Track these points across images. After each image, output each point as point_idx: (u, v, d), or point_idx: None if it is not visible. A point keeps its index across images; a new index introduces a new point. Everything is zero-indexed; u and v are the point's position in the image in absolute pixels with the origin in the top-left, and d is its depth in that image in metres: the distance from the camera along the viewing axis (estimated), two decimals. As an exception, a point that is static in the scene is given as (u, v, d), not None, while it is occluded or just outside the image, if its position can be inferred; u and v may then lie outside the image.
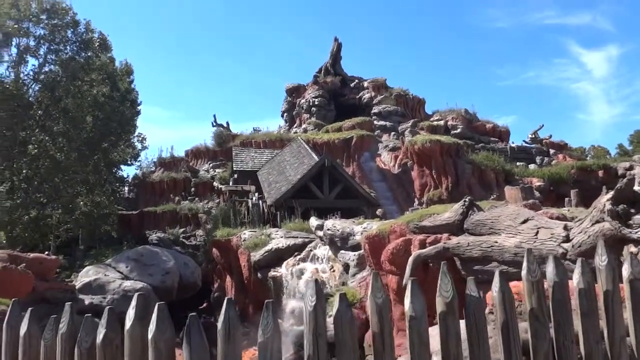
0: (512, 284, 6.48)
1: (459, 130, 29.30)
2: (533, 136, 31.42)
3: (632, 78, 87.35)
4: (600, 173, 23.85)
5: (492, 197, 16.94)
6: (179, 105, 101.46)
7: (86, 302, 8.99)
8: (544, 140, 30.61)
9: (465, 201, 7.58)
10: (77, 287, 9.16)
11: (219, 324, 1.88)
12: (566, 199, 17.24)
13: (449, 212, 7.79)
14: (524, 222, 6.41)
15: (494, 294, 2.31)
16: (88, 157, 13.62)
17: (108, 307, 2.04)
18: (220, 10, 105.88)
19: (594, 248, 5.23)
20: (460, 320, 2.25)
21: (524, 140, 31.61)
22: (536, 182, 22.74)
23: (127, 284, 9.23)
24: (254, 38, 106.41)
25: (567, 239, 5.52)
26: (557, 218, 7.48)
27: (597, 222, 5.03)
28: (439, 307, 2.19)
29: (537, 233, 6.02)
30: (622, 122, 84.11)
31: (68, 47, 13.96)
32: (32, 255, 8.87)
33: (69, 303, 2.15)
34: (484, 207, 7.71)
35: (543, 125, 31.65)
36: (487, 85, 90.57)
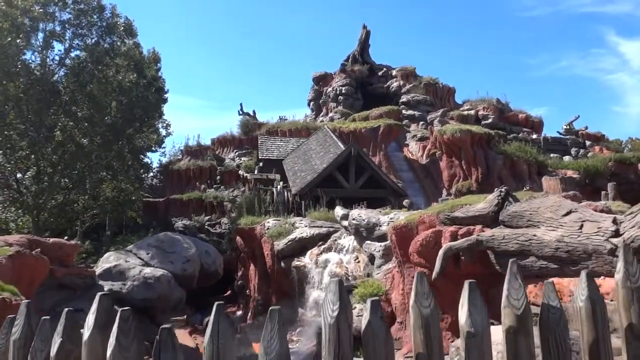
0: (552, 280, 6.00)
1: (490, 121, 28.42)
2: (568, 127, 30.28)
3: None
4: (640, 166, 22.81)
5: (524, 189, 16.25)
6: (207, 95, 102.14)
7: (105, 289, 8.88)
8: (579, 132, 29.45)
9: (501, 191, 7.10)
10: (97, 273, 9.08)
11: (205, 339, 1.53)
12: (602, 193, 16.46)
13: (483, 203, 7.33)
14: (567, 214, 5.92)
15: (579, 303, 1.81)
16: (112, 143, 13.55)
17: (67, 309, 1.63)
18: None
19: (650, 244, 4.75)
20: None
21: (558, 132, 30.50)
22: (571, 175, 21.83)
23: (147, 270, 9.07)
24: (282, 26, 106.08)
25: (617, 234, 5.03)
26: (602, 211, 6.96)
27: (655, 215, 4.52)
28: (507, 319, 1.69)
29: (581, 226, 5.53)
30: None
31: (94, 32, 13.90)
32: (51, 240, 8.79)
33: (26, 302, 1.76)
34: (521, 198, 7.22)
35: (579, 116, 30.52)
36: (519, 76, 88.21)
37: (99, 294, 1.52)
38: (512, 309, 1.67)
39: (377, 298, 1.61)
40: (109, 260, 9.41)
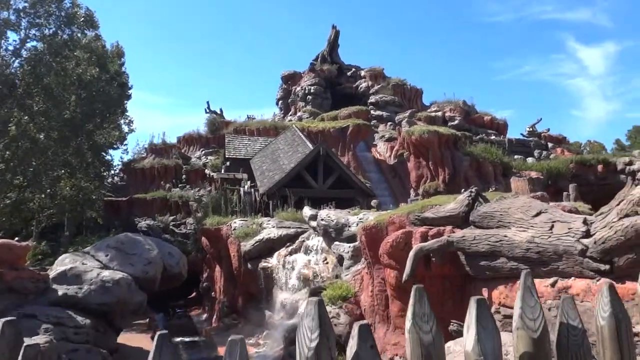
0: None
1: (456, 122, 28.79)
2: (531, 129, 31.00)
3: (629, 76, 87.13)
4: (600, 168, 23.49)
5: (490, 190, 16.46)
6: (174, 93, 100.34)
7: (60, 293, 8.38)
8: (542, 134, 30.19)
9: (471, 191, 7.05)
10: (51, 276, 8.57)
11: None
12: (564, 194, 16.85)
13: (453, 203, 7.26)
14: (537, 215, 5.89)
15: (600, 321, 1.50)
16: (70, 139, 12.88)
17: (5, 319, 1.25)
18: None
19: (621, 245, 4.73)
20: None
21: (521, 134, 31.20)
22: (534, 176, 22.29)
23: (106, 273, 8.60)
24: (252, 25, 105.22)
25: (588, 234, 5.00)
26: (570, 211, 6.99)
27: (627, 215, 4.49)
28: (520, 344, 1.38)
29: (552, 227, 5.50)
30: (617, 119, 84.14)
31: (51, 22, 13.20)
32: (0, 241, 8.26)
33: None
34: (491, 198, 7.19)
35: (541, 119, 31.26)
36: (485, 79, 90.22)
37: (3, 320, 1.21)
38: (527, 332, 1.36)
39: (366, 322, 1.28)
40: (64, 262, 8.91)
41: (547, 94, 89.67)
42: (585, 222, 5.16)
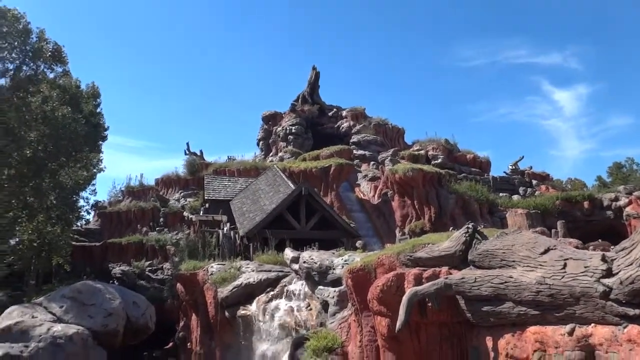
0: (533, 329, 5.19)
1: (439, 160, 28.50)
2: (513, 167, 30.90)
3: (601, 117, 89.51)
4: (586, 204, 23.24)
5: (480, 227, 15.89)
6: (153, 136, 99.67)
7: (0, 353, 7.33)
8: (525, 172, 30.07)
9: (468, 228, 6.41)
10: (-6, 332, 7.57)
11: None
12: (552, 231, 16.38)
13: (449, 241, 6.60)
14: (545, 252, 5.25)
15: None
16: (29, 177, 11.98)
17: None
18: (195, 39, 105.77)
19: (654, 285, 4.09)
20: None
21: (504, 172, 31.05)
22: (521, 213, 21.88)
23: (58, 328, 7.62)
24: (231, 66, 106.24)
25: (609, 273, 4.36)
26: (577, 247, 6.39)
27: (660, 250, 3.87)
28: None
29: (564, 266, 4.85)
30: (592, 158, 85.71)
31: (15, 55, 12.53)
32: None
33: None
34: (490, 235, 6.55)
35: (523, 157, 31.23)
36: (462, 121, 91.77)
37: None
38: None
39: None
40: (11, 316, 7.89)
41: (525, 135, 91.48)
42: (604, 259, 4.52)
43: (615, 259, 4.45)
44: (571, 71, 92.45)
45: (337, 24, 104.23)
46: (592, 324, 4.59)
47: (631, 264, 4.11)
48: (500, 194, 25.70)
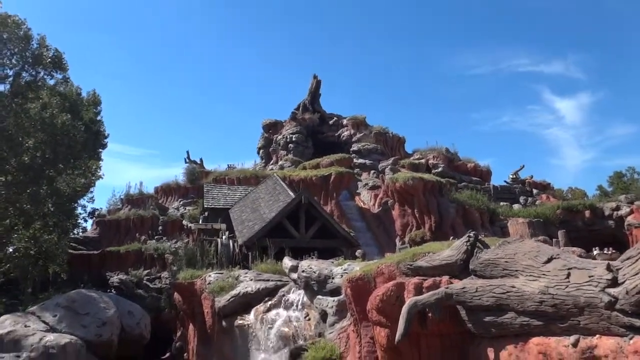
0: (536, 340, 5.04)
1: (440, 169, 28.42)
2: (514, 176, 30.78)
3: (602, 126, 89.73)
4: (587, 213, 23.11)
5: (481, 236, 15.75)
6: (153, 145, 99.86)
7: (-9, 364, 7.22)
8: (526, 181, 29.95)
9: (469, 236, 6.29)
10: (-15, 342, 7.43)
11: None
12: (554, 240, 16.22)
13: (449, 250, 6.48)
14: (548, 261, 5.13)
15: None
16: (25, 184, 11.86)
17: None
18: (196, 47, 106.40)
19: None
20: None
21: (505, 181, 30.95)
22: (522, 222, 21.74)
23: (51, 337, 7.47)
24: (232, 75, 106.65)
25: (615, 283, 4.24)
26: (580, 256, 6.26)
27: (668, 259, 3.75)
28: None
29: (568, 275, 4.72)
30: (594, 167, 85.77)
31: (14, 61, 12.46)
32: None
33: None
34: (491, 244, 6.43)
35: (524, 166, 31.12)
36: (464, 129, 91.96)
37: None
38: None
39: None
40: (3, 325, 7.74)
41: (526, 144, 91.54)
42: (609, 268, 4.39)
43: (620, 268, 4.32)
44: (573, 80, 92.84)
45: (339, 32, 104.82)
46: (597, 335, 4.46)
47: (637, 274, 3.98)
48: (501, 203, 25.58)
